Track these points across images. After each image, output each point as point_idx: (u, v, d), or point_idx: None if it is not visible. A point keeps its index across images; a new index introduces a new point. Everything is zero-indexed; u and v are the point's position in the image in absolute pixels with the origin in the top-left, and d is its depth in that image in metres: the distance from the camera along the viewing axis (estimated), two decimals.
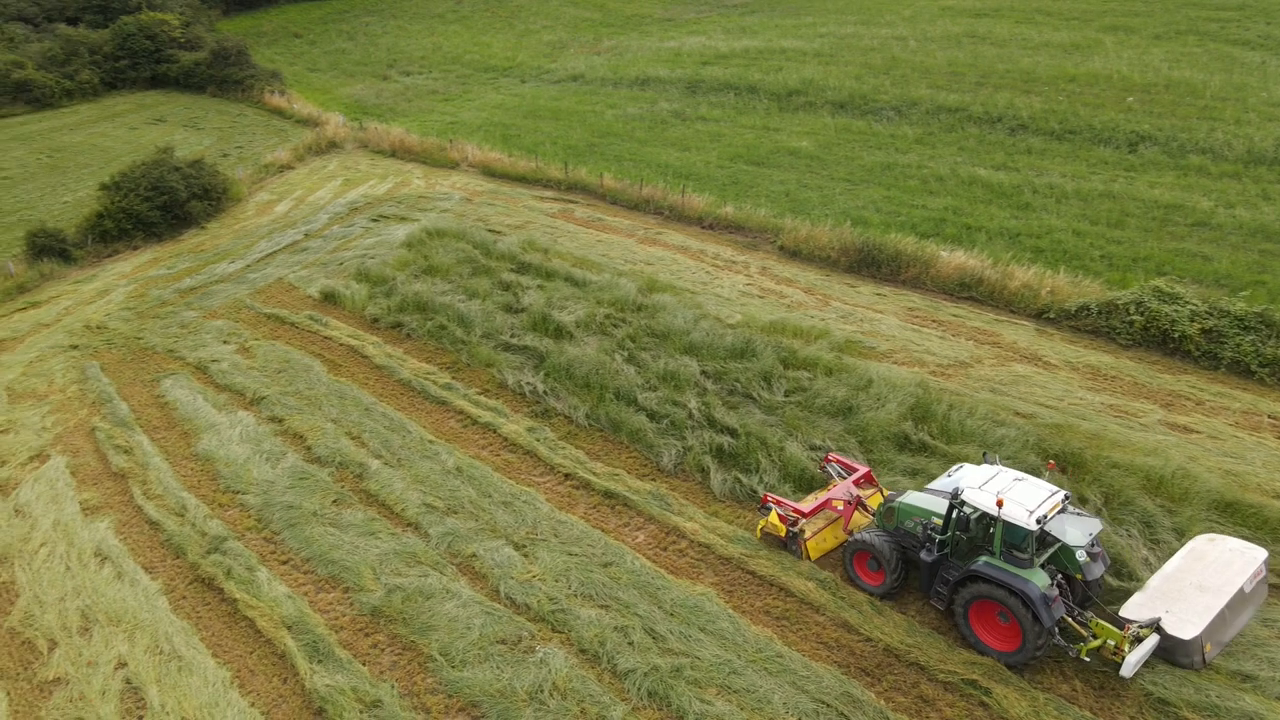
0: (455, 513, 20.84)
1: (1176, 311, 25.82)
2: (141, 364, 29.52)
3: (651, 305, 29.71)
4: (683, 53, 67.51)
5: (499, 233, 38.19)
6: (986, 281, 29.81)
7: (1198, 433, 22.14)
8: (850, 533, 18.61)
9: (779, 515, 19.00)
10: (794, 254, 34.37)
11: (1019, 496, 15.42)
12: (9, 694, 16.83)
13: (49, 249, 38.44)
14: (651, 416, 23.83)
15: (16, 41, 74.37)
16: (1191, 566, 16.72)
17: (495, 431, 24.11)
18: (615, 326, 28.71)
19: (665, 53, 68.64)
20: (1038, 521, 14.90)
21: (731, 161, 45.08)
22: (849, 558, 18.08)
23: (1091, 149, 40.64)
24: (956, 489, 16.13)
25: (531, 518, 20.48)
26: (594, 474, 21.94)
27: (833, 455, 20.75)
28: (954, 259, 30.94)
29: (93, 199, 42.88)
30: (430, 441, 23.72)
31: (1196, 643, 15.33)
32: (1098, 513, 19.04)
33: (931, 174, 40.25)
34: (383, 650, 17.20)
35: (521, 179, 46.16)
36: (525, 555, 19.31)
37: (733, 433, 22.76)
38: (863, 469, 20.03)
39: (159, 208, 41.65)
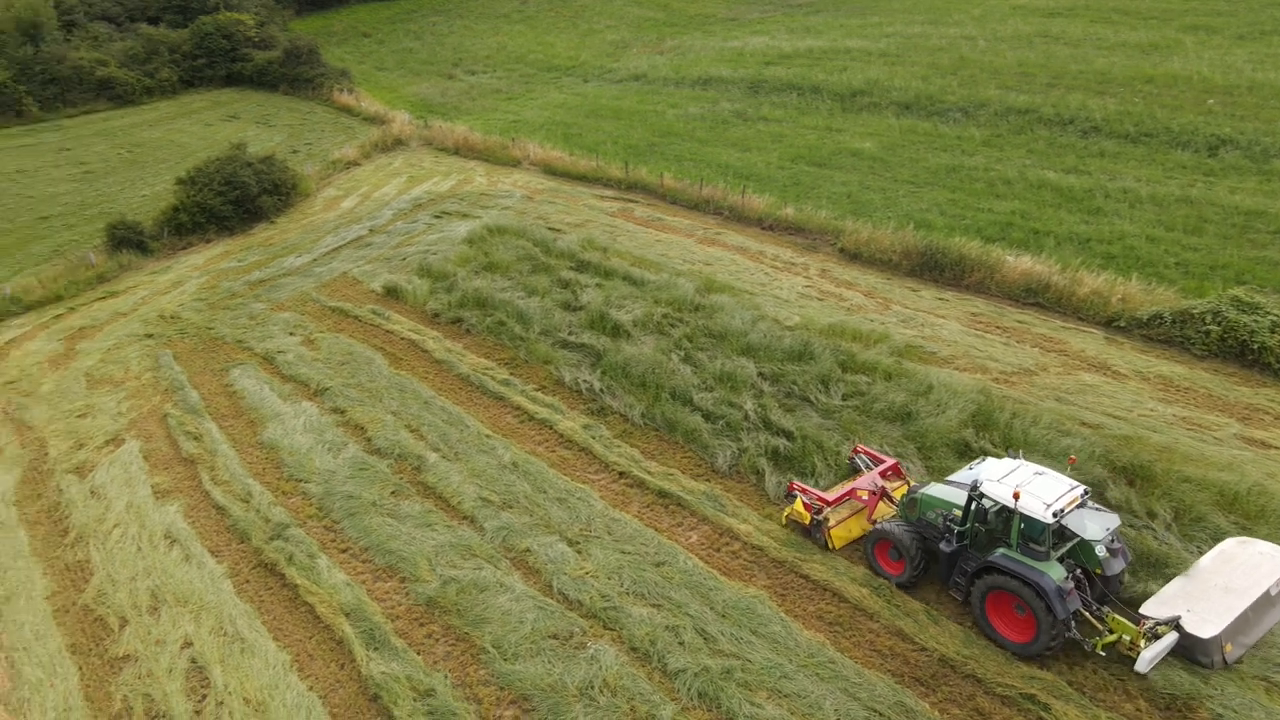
0: (510, 507, 21.05)
1: (1256, 322, 24.88)
2: (212, 353, 30.40)
3: (709, 305, 29.63)
4: (746, 52, 67.17)
5: (559, 231, 38.46)
6: (1054, 287, 29.08)
7: (1276, 448, 21.30)
8: (874, 522, 18.82)
9: (804, 503, 19.37)
10: (854, 256, 33.96)
11: (1037, 490, 15.58)
12: (81, 669, 17.48)
13: (127, 241, 39.83)
14: (707, 417, 23.77)
15: (101, 40, 77.16)
16: (1219, 568, 16.70)
17: (551, 428, 24.29)
18: (672, 326, 28.70)
19: (728, 52, 68.37)
20: (1054, 515, 15.09)
21: (793, 162, 44.71)
22: (870, 547, 18.32)
23: (1169, 152, 39.37)
24: (975, 481, 16.36)
25: (585, 514, 20.58)
26: (648, 473, 21.96)
27: (861, 446, 21.16)
28: (1020, 264, 30.25)
29: (169, 193, 44.30)
30: (487, 436, 23.99)
31: (1215, 642, 15.32)
32: (1167, 528, 18.45)
33: (999, 177, 39.40)
34: (437, 640, 17.45)
35: (582, 178, 46.42)
36: (579, 552, 19.42)
37: (789, 435, 22.58)
38: (890, 461, 20.32)
39: (231, 202, 42.85)
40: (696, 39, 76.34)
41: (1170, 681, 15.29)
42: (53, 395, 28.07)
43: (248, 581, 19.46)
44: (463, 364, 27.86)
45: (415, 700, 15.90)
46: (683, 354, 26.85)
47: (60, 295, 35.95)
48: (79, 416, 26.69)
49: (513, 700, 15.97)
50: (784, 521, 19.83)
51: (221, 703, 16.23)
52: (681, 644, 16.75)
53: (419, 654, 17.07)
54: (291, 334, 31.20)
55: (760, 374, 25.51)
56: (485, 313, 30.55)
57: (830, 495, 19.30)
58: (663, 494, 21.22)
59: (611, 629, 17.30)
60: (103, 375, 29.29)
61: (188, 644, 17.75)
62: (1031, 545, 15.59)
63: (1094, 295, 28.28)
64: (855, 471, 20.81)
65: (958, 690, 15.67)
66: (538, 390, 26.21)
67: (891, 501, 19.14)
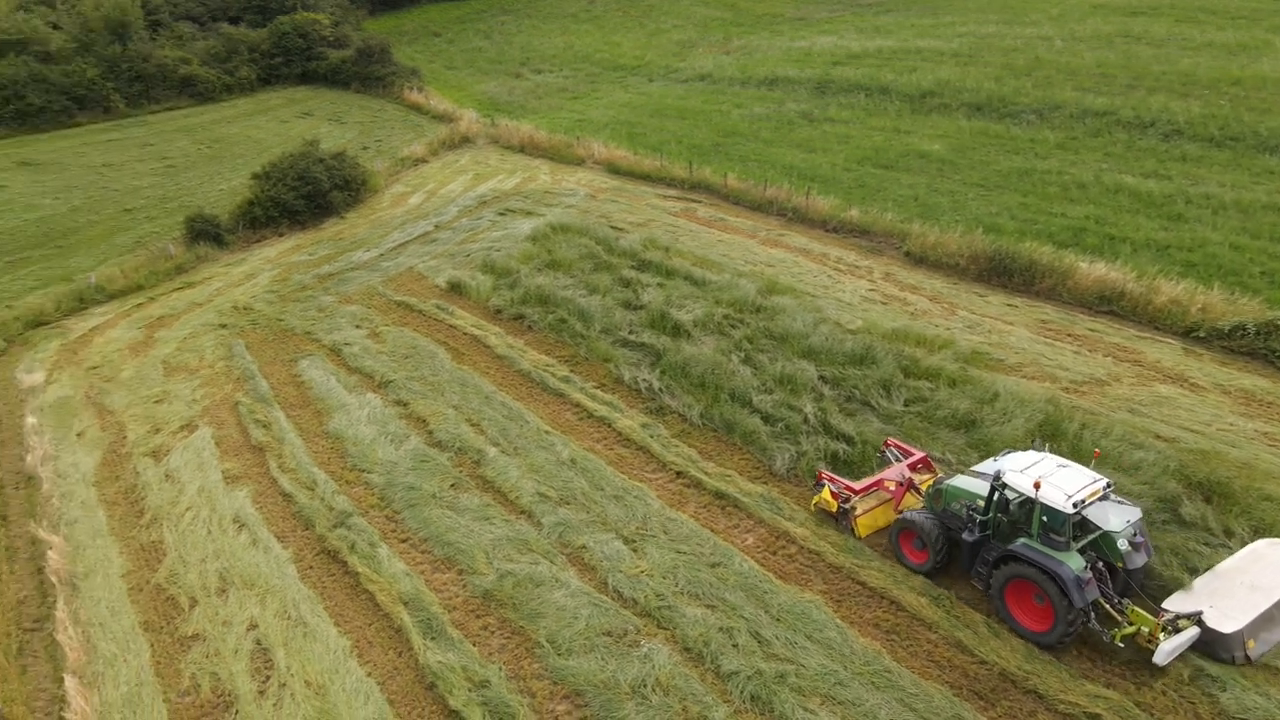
0: (567, 503, 21.19)
1: None
2: (282, 344, 31.22)
3: (771, 307, 29.42)
4: (813, 52, 66.52)
5: (621, 230, 38.58)
6: (1129, 296, 28.19)
7: None
8: (900, 513, 19.01)
9: (831, 491, 19.83)
10: (920, 260, 33.38)
11: (1059, 482, 15.75)
12: (152, 646, 18.11)
13: (205, 233, 41.13)
14: (766, 419, 23.61)
15: (184, 40, 79.78)
16: (1247, 567, 16.77)
17: (610, 426, 24.38)
18: (733, 327, 28.57)
19: (795, 52, 67.80)
20: (1075, 506, 15.27)
21: (859, 164, 44.14)
22: (895, 535, 18.65)
23: (1255, 157, 37.85)
24: (998, 472, 16.60)
25: (642, 513, 20.61)
26: (705, 473, 21.90)
27: (892, 440, 21.40)
28: (1094, 271, 29.40)
29: (245, 187, 45.62)
30: (546, 432, 24.19)
31: (1237, 638, 15.41)
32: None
33: (1073, 180, 38.34)
34: (492, 633, 17.65)
35: (645, 177, 46.49)
36: (634, 550, 19.46)
37: (849, 440, 22.31)
38: (919, 454, 20.59)
39: (304, 197, 43.96)
40: (763, 39, 75.84)
41: (1243, 705, 14.70)
42: (132, 381, 29.13)
43: (311, 567, 19.93)
44: (524, 360, 28.13)
45: (470, 691, 16.11)
46: (743, 355, 26.71)
47: (141, 285, 37.29)
48: (156, 402, 27.64)
49: (565, 695, 16.07)
50: (812, 509, 20.30)
51: (284, 684, 16.65)
52: (735, 646, 16.67)
53: (475, 645, 17.29)
54: (358, 327, 31.87)
55: (821, 377, 25.25)
56: (547, 310, 30.80)
57: (858, 485, 19.78)
58: (720, 495, 21.14)
59: (665, 628, 17.30)
60: (179, 363, 30.29)
61: (253, 626, 18.25)
62: (1052, 535, 15.77)
63: (1172, 304, 27.34)
64: (886, 464, 21.08)
65: (1018, 706, 15.30)
66: (597, 388, 26.34)
67: (918, 493, 19.45)
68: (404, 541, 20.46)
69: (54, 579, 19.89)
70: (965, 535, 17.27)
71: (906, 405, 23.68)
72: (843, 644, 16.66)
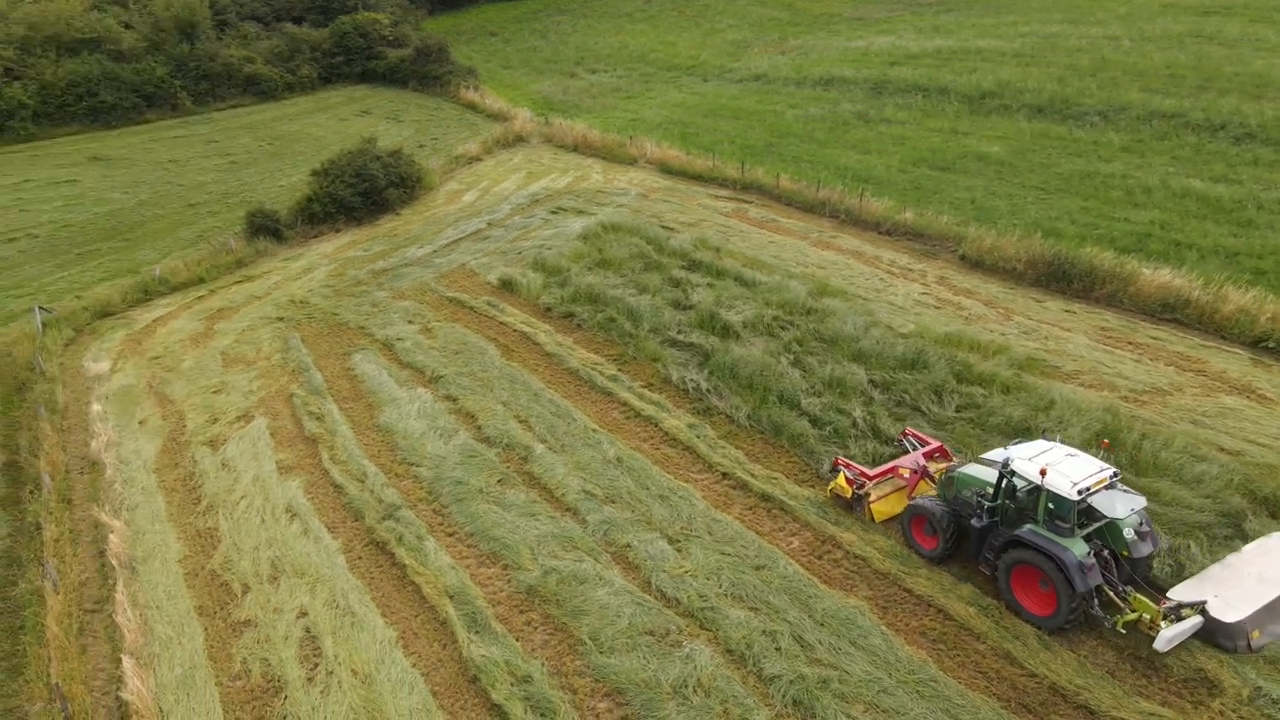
0: (613, 502, 21.22)
1: None
2: (336, 338, 31.79)
3: (821, 309, 29.15)
4: (870, 52, 65.75)
5: (672, 229, 38.54)
6: (1194, 304, 27.35)
7: None
8: (913, 499, 19.33)
9: (846, 478, 20.17)
10: (976, 264, 32.78)
11: (1065, 469, 16.07)
12: (206, 630, 18.55)
13: (264, 228, 42.07)
14: (814, 422, 23.38)
15: (249, 39, 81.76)
16: (1256, 559, 16.96)
17: (656, 425, 24.36)
18: (783, 329, 28.36)
19: (852, 52, 67.08)
20: (1080, 493, 15.57)
21: (914, 165, 43.50)
22: (907, 521, 19.00)
23: None
24: (1006, 459, 16.92)
25: (687, 513, 20.56)
26: (752, 475, 21.77)
27: (910, 430, 21.80)
28: (1158, 277, 28.58)
29: (304, 184, 46.56)
30: (593, 430, 24.26)
31: (1240, 627, 15.56)
32: None
33: (1138, 184, 37.32)
34: (535, 628, 17.75)
35: (697, 177, 46.39)
36: (678, 550, 19.41)
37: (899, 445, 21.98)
38: (935, 444, 21.02)
39: (360, 194, 44.71)
40: (820, 39, 75.19)
41: None
42: (192, 371, 29.90)
43: (360, 558, 20.24)
44: (572, 358, 28.25)
45: (512, 685, 16.22)
46: (792, 357, 26.50)
47: (203, 278, 38.26)
48: (214, 392, 28.34)
49: (606, 693, 16.09)
50: (828, 494, 20.67)
51: (331, 672, 16.94)
52: (778, 650, 16.53)
53: (518, 640, 17.39)
54: (410, 322, 32.31)
55: (871, 381, 24.94)
56: (596, 308, 30.89)
57: (872, 471, 20.21)
58: (765, 497, 20.99)
59: (708, 629, 17.23)
60: (237, 355, 31.01)
61: (303, 614, 18.60)
62: (1057, 522, 16.11)
63: (1240, 313, 26.45)
64: (904, 452, 21.39)
65: None
66: (645, 387, 26.34)
67: (932, 481, 19.82)
68: (451, 535, 20.68)
69: (114, 562, 20.49)
70: (974, 521, 17.62)
71: (958, 411, 23.27)
72: (887, 651, 16.42)
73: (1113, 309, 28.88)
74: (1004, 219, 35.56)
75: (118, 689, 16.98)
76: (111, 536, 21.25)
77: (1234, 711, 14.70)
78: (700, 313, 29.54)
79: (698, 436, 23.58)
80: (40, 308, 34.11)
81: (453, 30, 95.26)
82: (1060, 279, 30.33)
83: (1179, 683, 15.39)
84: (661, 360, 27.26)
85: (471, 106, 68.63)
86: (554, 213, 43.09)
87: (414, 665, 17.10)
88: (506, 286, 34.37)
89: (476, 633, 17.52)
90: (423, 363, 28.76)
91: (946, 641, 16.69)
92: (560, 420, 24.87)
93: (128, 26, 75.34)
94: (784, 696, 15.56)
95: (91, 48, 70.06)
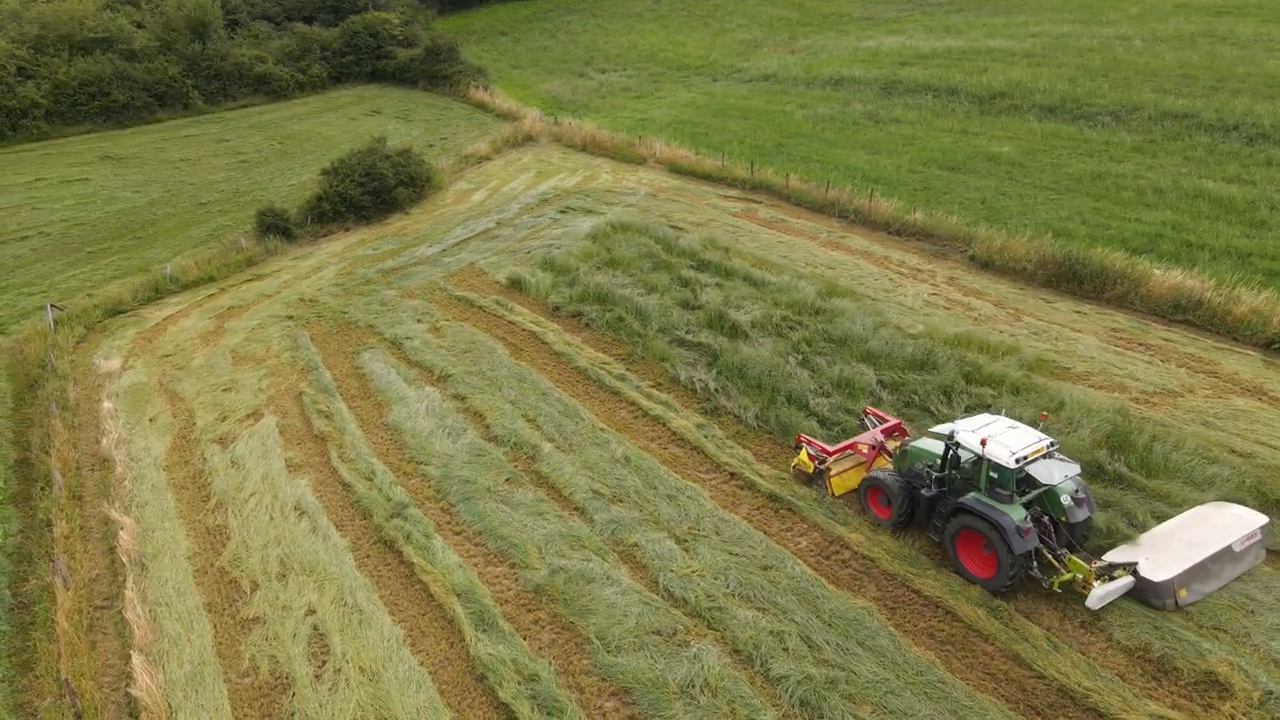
0: (620, 501, 21.21)
1: None
2: (345, 336, 31.87)
3: (830, 310, 29.09)
4: (880, 53, 65.60)
5: (681, 229, 38.51)
6: (1206, 305, 27.20)
7: None
8: (870, 473, 20.34)
9: (809, 454, 21.19)
10: (985, 265, 32.67)
11: (1006, 440, 16.98)
12: (215, 627, 18.61)
13: (274, 227, 42.20)
14: (822, 422, 23.36)
15: (260, 39, 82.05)
16: (1189, 525, 18.03)
17: (664, 425, 24.35)
18: (791, 329, 28.32)
19: (862, 52, 66.95)
20: (1017, 461, 16.52)
21: (924, 166, 43.38)
22: (864, 493, 20.12)
23: None
24: (952, 431, 17.93)
25: (695, 513, 20.54)
26: (759, 475, 21.73)
27: (870, 409, 22.71)
28: (1169, 278, 28.43)
29: (314, 183, 46.69)
30: (601, 430, 24.26)
31: (1168, 585, 16.60)
32: None
33: (1149, 185, 37.13)
34: (543, 627, 17.75)
35: (707, 177, 46.35)
36: (686, 550, 19.39)
37: None
38: (894, 421, 21.83)
39: (370, 193, 44.81)
40: (829, 38, 75.04)
41: None
42: (202, 369, 30.02)
43: (368, 556, 20.28)
44: (581, 357, 28.25)
45: (519, 684, 16.23)
46: (800, 357, 26.45)
47: (213, 276, 38.40)
48: (224, 390, 28.43)
49: (613, 692, 16.08)
50: (791, 470, 21.58)
51: (339, 670, 16.98)
52: (785, 650, 16.50)
53: (525, 639, 17.40)
54: (419, 321, 32.36)
55: (880, 382, 24.89)
56: (605, 308, 30.88)
57: (833, 448, 21.20)
58: (773, 498, 20.96)
59: (715, 629, 17.20)
60: (247, 353, 31.11)
61: (311, 611, 18.64)
62: (998, 490, 17.12)
63: (1253, 314, 26.30)
64: (864, 430, 22.25)
65: None
66: (653, 387, 26.33)
67: (889, 456, 20.75)
68: (458, 534, 20.71)
69: (124, 559, 20.58)
70: (924, 491, 18.68)
71: (968, 412, 23.15)
72: (895, 652, 16.37)
73: (1124, 310, 28.73)
74: (1014, 219, 35.43)
75: (127, 685, 17.06)
76: (121, 533, 21.34)
77: (1244, 715, 14.61)
78: (709, 312, 29.51)
79: (705, 436, 23.56)
80: (52, 305, 34.29)
81: (462, 30, 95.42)
82: (1071, 280, 30.19)
83: (1189, 685, 15.30)
84: (670, 360, 27.24)
85: (481, 106, 68.73)
86: (563, 212, 43.11)
87: (421, 663, 17.12)
88: (515, 286, 34.39)
89: (484, 631, 17.53)
90: (431, 361, 28.80)
91: (955, 643, 16.63)
92: (568, 419, 24.88)
93: (140, 26, 75.71)
94: (791, 697, 15.53)
95: (104, 47, 70.41)
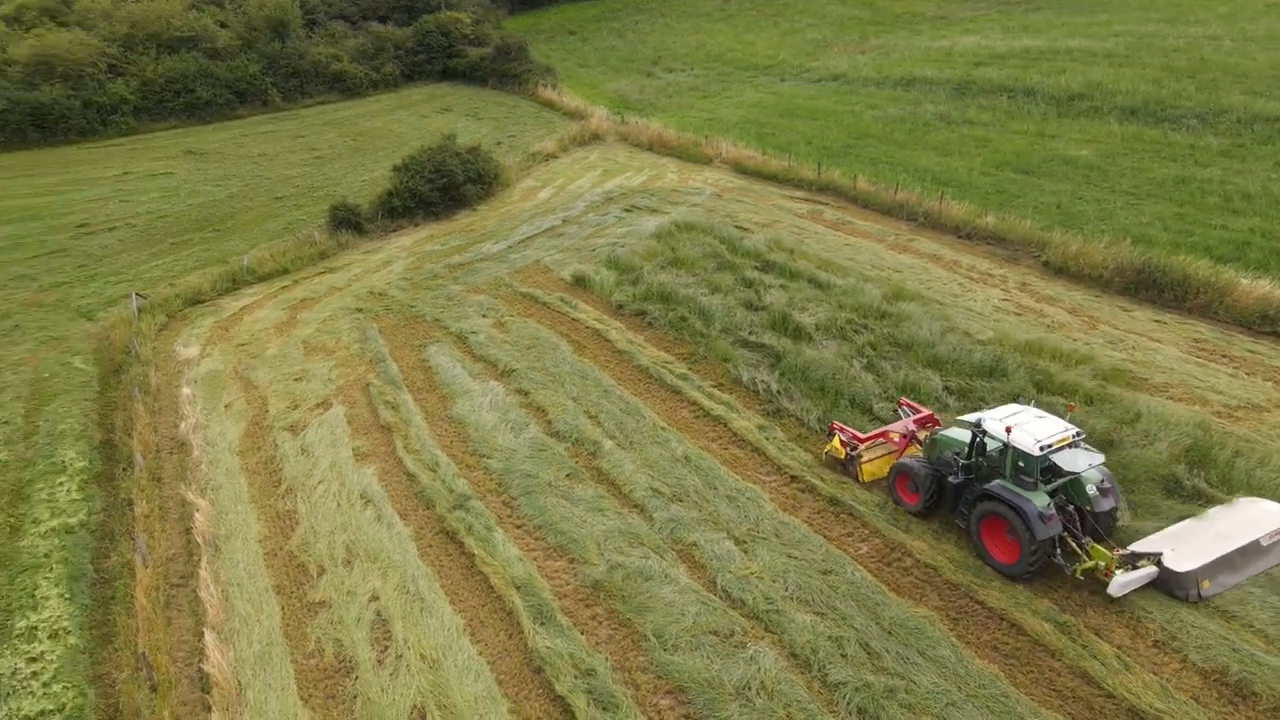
0: (680, 500, 21.21)
1: None
2: (412, 330, 32.47)
3: (896, 313, 28.65)
4: (954, 52, 64.34)
5: (746, 230, 38.33)
6: None
7: None
8: (900, 460, 20.78)
9: (841, 440, 21.70)
10: (1059, 271, 31.82)
11: (1032, 429, 17.30)
12: (283, 609, 19.15)
13: (346, 221, 43.21)
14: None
15: (337, 38, 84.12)
16: (1219, 518, 18.07)
17: (725, 425, 24.27)
18: (856, 332, 27.97)
19: (935, 52, 65.73)
20: (1042, 449, 16.83)
21: (997, 169, 42.41)
22: (893, 479, 20.47)
23: None
24: (979, 419, 18.40)
25: (754, 515, 20.43)
26: (821, 479, 21.52)
27: (904, 400, 23.20)
28: (1257, 288, 27.33)
29: (385, 179, 47.66)
30: (662, 428, 24.28)
31: (1190, 576, 16.66)
32: None
33: (1237, 191, 35.72)
34: (600, 623, 17.85)
35: (773, 177, 46.04)
36: (745, 551, 19.31)
37: None
38: (926, 412, 22.32)
39: (439, 189, 45.57)
40: (901, 38, 73.85)
41: None
42: (275, 359, 30.89)
43: (430, 546, 20.64)
44: (643, 356, 28.33)
45: (576, 678, 16.34)
46: (865, 361, 26.11)
47: (287, 269, 39.47)
48: (295, 380, 29.22)
49: (669, 690, 16.10)
50: (824, 457, 22.14)
51: (400, 656, 17.32)
52: (844, 656, 16.31)
53: (582, 634, 17.52)
54: (484, 316, 32.80)
55: (946, 388, 24.43)
56: (668, 307, 30.90)
57: (864, 435, 21.69)
58: (834, 501, 20.74)
59: (772, 632, 17.09)
60: (317, 344, 31.91)
61: (375, 598, 19.05)
62: (1022, 477, 17.42)
63: None
64: (898, 419, 22.61)
65: None
66: (714, 387, 26.26)
67: (920, 444, 21.12)
68: (519, 527, 20.94)
69: (199, 539, 21.31)
70: (951, 478, 19.03)
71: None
72: (957, 664, 16.05)
73: (1207, 320, 27.72)
74: (1091, 224, 34.43)
75: (200, 661, 17.66)
76: (197, 515, 22.10)
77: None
78: (772, 314, 29.31)
79: (767, 438, 23.41)
80: (137, 294, 35.67)
81: (532, 29, 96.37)
82: (1150, 288, 29.24)
83: (1269, 711, 14.69)
84: (732, 360, 27.14)
85: (549, 104, 69.33)
86: (628, 211, 43.25)
87: (480, 653, 17.36)
88: (579, 283, 34.63)
89: (542, 624, 17.70)
90: (495, 356, 29.18)
91: (1020, 657, 16.24)
92: (629, 417, 24.96)
93: (223, 25, 78.27)
94: (849, 704, 15.35)
95: (189, 46, 72.99)
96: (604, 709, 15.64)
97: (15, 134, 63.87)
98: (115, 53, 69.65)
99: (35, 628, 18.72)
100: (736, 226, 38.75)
